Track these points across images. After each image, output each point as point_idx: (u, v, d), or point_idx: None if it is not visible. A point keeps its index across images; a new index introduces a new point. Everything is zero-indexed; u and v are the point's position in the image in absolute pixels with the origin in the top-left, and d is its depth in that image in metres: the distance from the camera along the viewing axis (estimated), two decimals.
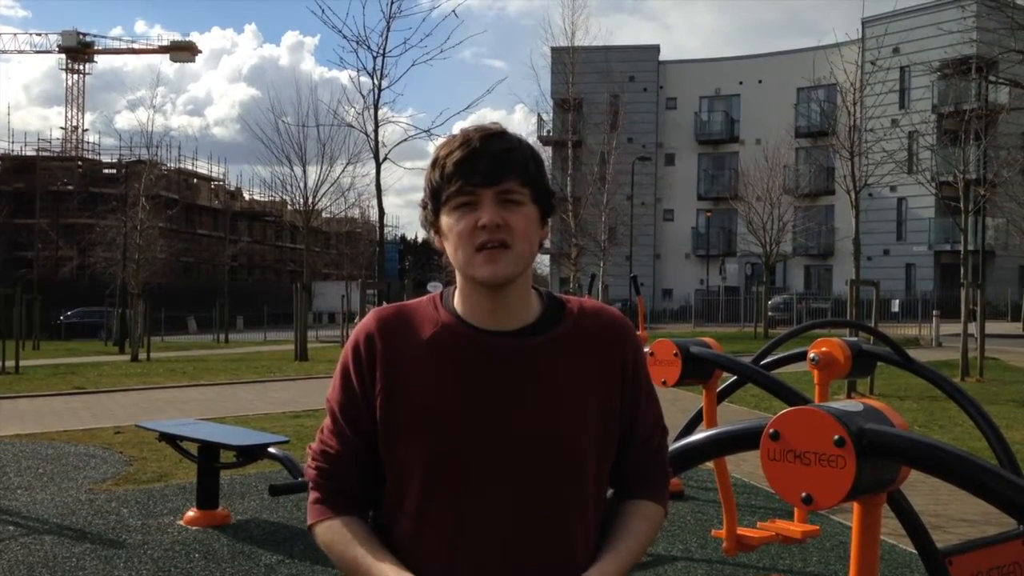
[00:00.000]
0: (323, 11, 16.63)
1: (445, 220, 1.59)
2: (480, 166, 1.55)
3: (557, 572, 1.54)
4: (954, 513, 6.49)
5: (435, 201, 1.61)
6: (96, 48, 73.45)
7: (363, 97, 17.18)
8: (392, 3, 16.46)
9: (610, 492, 1.72)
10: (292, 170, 27.54)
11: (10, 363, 19.70)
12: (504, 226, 1.54)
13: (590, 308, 1.70)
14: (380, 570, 1.53)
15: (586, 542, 1.60)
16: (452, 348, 1.59)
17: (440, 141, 1.66)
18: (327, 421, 1.67)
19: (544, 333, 1.62)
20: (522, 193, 1.57)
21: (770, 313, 35.68)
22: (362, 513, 1.64)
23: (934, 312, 29.15)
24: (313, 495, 1.64)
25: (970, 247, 19.52)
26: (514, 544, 1.54)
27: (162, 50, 74.93)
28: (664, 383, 4.37)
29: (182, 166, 62.96)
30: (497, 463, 1.55)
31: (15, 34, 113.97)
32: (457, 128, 1.70)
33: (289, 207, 40.39)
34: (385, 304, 1.77)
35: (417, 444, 1.56)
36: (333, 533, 1.60)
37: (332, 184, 27.90)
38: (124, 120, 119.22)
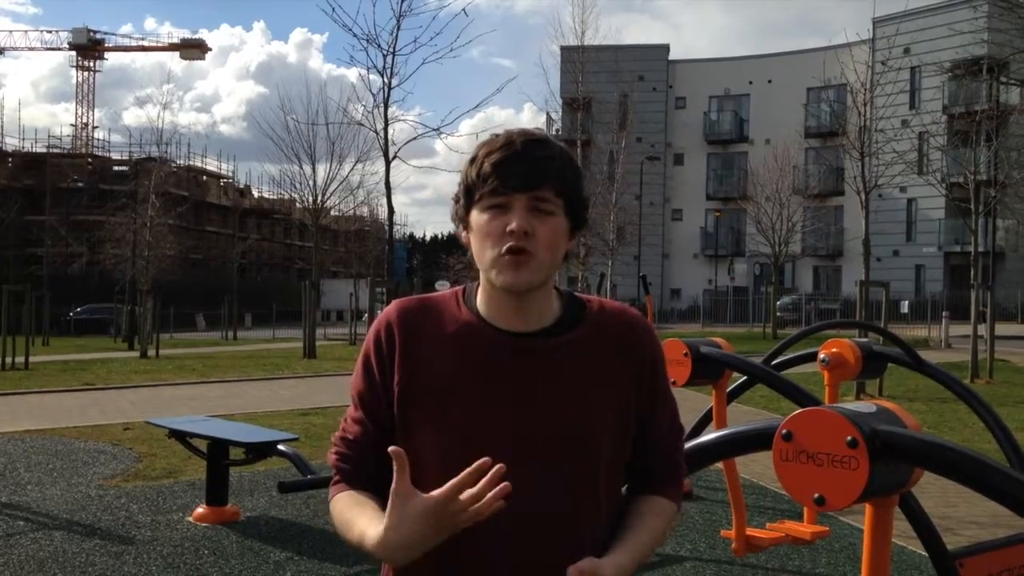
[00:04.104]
0: (333, 9, 16.49)
1: (475, 217, 1.60)
2: (518, 170, 1.55)
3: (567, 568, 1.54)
4: (964, 515, 6.48)
5: (468, 197, 1.61)
6: (106, 45, 73.63)
7: (373, 95, 17.18)
8: (402, 1, 16.44)
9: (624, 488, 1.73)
10: (301, 168, 27.59)
11: (20, 359, 19.76)
12: (532, 234, 1.55)
13: (611, 309, 1.71)
14: (360, 524, 1.53)
15: (596, 541, 1.60)
16: (471, 346, 1.60)
17: (482, 138, 1.66)
18: (350, 408, 1.69)
19: (564, 334, 1.63)
20: (555, 203, 1.57)
21: (779, 313, 35.58)
22: (375, 490, 1.64)
23: (943, 313, 29.05)
24: (334, 478, 1.68)
25: (980, 248, 19.46)
26: (525, 541, 1.55)
27: (172, 47, 75.07)
28: (674, 383, 4.36)
29: (191, 163, 63.12)
30: (510, 461, 1.53)
31: (26, 31, 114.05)
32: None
33: (298, 205, 40.52)
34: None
35: (431, 439, 1.58)
36: (338, 503, 1.63)
37: (341, 182, 27.96)
38: (132, 117, 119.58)
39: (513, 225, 1.54)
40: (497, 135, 1.62)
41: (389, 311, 1.66)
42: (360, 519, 1.54)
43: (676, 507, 1.73)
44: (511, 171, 1.55)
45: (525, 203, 1.55)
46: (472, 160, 1.61)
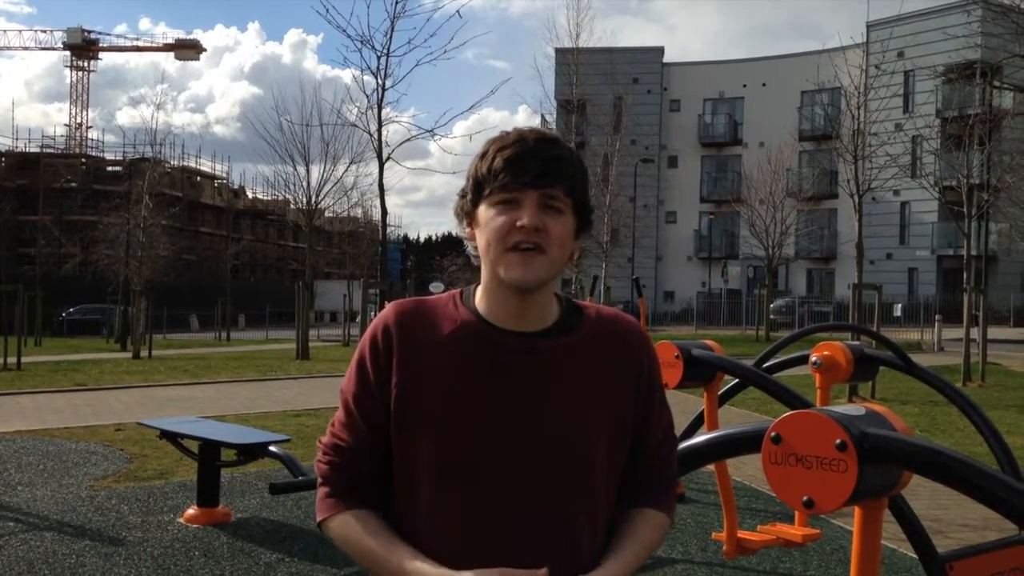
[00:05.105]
0: (327, 11, 16.49)
1: (483, 212, 1.59)
2: (530, 167, 1.55)
3: (564, 570, 1.54)
4: (955, 518, 6.49)
5: (476, 192, 1.60)
6: (101, 45, 73.55)
7: (367, 96, 17.19)
8: (396, 3, 16.45)
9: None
10: (295, 169, 27.52)
11: (12, 359, 19.70)
12: (542, 230, 1.55)
13: (607, 315, 1.71)
14: (399, 559, 1.53)
15: (593, 541, 1.61)
16: (470, 345, 1.60)
17: (477, 139, 1.67)
18: (339, 413, 1.66)
19: (564, 336, 1.63)
20: (565, 202, 1.58)
21: (772, 316, 35.64)
22: (374, 506, 1.62)
23: (936, 316, 29.13)
24: (323, 490, 1.64)
25: (973, 252, 19.51)
26: (523, 540, 1.55)
27: (167, 48, 75.05)
28: (666, 385, 4.36)
29: (185, 164, 63.06)
30: (509, 461, 1.56)
31: (20, 31, 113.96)
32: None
33: (292, 206, 40.45)
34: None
35: (430, 438, 1.57)
36: (346, 527, 1.59)
37: (335, 183, 27.88)
38: (126, 117, 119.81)
39: (524, 220, 1.54)
40: (508, 131, 1.62)
41: (386, 313, 1.65)
42: (397, 553, 1.54)
43: (669, 519, 1.72)
44: (523, 167, 1.55)
45: (536, 200, 1.55)
46: (482, 155, 1.60)
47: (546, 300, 1.64)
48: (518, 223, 1.54)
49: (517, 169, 1.54)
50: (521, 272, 1.55)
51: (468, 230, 1.64)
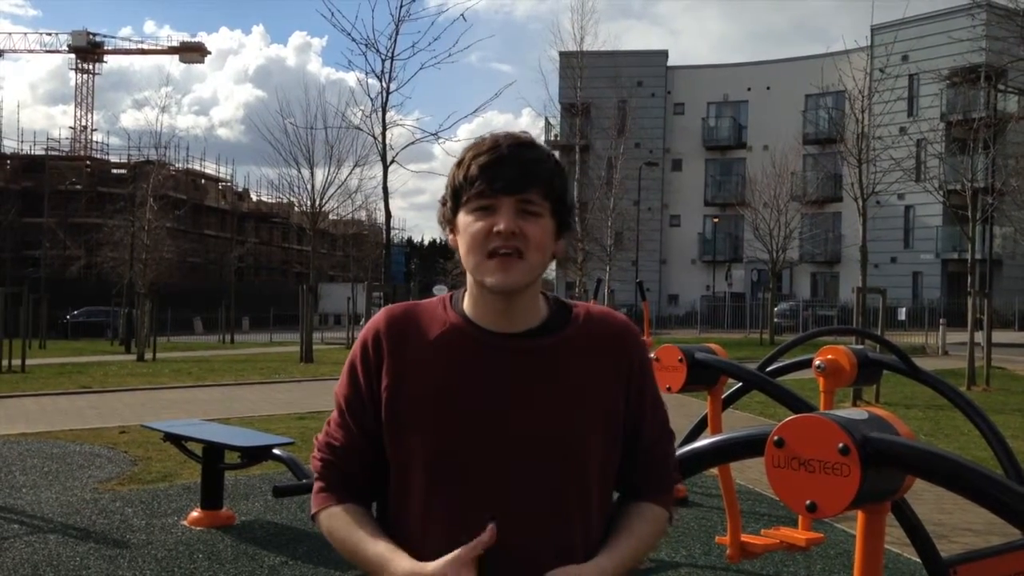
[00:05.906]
0: (332, 14, 16.47)
1: (462, 220, 1.62)
2: (505, 173, 1.57)
3: (557, 567, 1.54)
4: (958, 522, 6.47)
5: (455, 199, 1.63)
6: (106, 48, 73.71)
7: (371, 100, 17.21)
8: (401, 6, 16.45)
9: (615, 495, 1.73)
10: (299, 172, 27.52)
11: (16, 362, 19.75)
12: (520, 235, 1.56)
13: (596, 313, 1.72)
14: (376, 550, 1.56)
15: (588, 540, 1.61)
16: (458, 348, 1.62)
17: (469, 142, 1.68)
18: (334, 414, 1.70)
19: (551, 335, 1.65)
20: (542, 205, 1.59)
21: (776, 320, 35.62)
22: (364, 502, 1.67)
23: (940, 320, 29.08)
24: (317, 485, 1.68)
25: (977, 256, 19.49)
26: (515, 539, 1.55)
27: (171, 51, 75.21)
28: (669, 389, 4.36)
29: (190, 167, 63.17)
30: (499, 460, 1.57)
31: (25, 33, 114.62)
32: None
33: (296, 209, 40.52)
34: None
35: (420, 441, 1.59)
36: (335, 519, 1.64)
37: (339, 186, 27.87)
38: (130, 120, 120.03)
39: (501, 226, 1.56)
40: (484, 138, 1.64)
41: (377, 319, 1.69)
42: (377, 545, 1.57)
43: (667, 514, 1.72)
44: (498, 174, 1.57)
45: (512, 205, 1.57)
46: (459, 163, 1.63)
47: (531, 301, 1.65)
48: (495, 229, 1.56)
49: (492, 176, 1.57)
50: (501, 278, 1.57)
51: (451, 237, 1.67)
